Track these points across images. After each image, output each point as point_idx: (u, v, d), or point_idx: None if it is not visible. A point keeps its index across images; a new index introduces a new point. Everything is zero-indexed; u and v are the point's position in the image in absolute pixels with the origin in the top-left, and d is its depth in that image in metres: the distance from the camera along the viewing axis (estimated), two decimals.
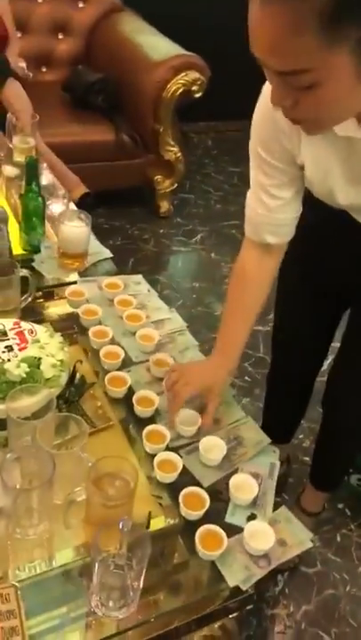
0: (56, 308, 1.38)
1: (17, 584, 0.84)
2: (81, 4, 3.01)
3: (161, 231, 2.92)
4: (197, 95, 2.67)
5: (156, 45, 2.75)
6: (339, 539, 1.68)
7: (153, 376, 1.20)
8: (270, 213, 1.10)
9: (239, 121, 4.00)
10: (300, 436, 1.94)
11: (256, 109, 1.04)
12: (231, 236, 2.97)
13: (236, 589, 0.91)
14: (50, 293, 1.44)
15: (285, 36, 0.67)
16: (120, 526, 0.81)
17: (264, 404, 1.70)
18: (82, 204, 2.20)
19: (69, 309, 1.36)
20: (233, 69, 3.27)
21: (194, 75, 2.61)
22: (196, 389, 1.10)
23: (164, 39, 2.83)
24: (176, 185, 2.93)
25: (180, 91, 2.62)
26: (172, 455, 1.02)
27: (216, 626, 1.05)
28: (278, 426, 1.67)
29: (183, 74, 2.60)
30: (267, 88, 0.97)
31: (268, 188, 1.08)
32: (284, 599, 1.53)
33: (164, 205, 2.97)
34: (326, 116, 0.79)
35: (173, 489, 1.01)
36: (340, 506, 1.78)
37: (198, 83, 2.63)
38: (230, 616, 1.02)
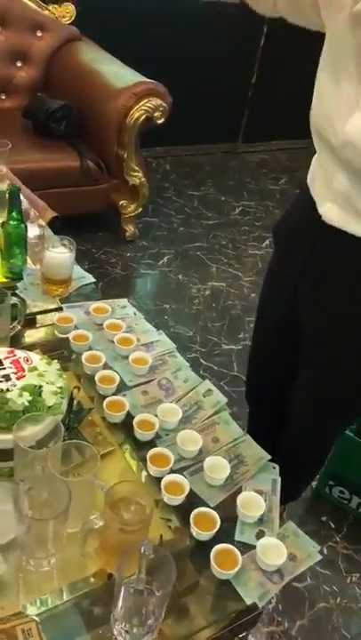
0: (39, 336, 1.37)
1: (36, 618, 0.82)
2: (39, 33, 3.04)
3: (128, 255, 2.94)
4: (160, 121, 2.72)
5: (117, 73, 2.80)
6: (326, 552, 1.71)
7: (149, 399, 1.20)
8: None
9: (196, 145, 4.14)
10: None
11: None
12: (197, 258, 3.02)
13: (249, 607, 0.92)
14: (32, 321, 1.43)
15: None
16: (142, 550, 0.80)
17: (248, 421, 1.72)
18: (52, 228, 2.19)
19: (52, 336, 1.36)
20: (189, 95, 3.37)
21: (156, 101, 2.66)
22: None
23: (124, 67, 2.88)
24: (140, 209, 2.96)
25: (143, 117, 2.66)
26: (178, 477, 1.02)
27: None
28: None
29: (145, 100, 2.65)
30: None
31: None
32: (279, 615, 1.54)
33: (130, 229, 2.99)
34: None
35: (180, 511, 1.02)
36: (324, 519, 1.82)
37: (161, 109, 2.68)
38: (240, 635, 1.03)
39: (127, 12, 3.36)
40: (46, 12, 3.06)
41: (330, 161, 1.11)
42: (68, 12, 3.12)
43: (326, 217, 1.14)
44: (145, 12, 3.42)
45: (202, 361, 2.37)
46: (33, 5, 3.01)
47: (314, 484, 1.89)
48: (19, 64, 3.05)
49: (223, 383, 2.24)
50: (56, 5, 3.09)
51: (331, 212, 1.13)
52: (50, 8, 3.07)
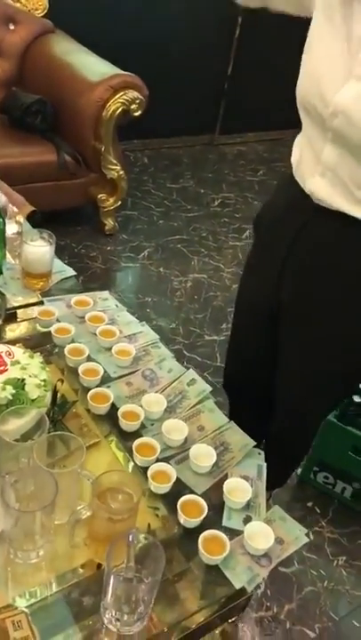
0: (21, 330, 1.37)
1: (26, 610, 0.82)
2: (12, 26, 3.00)
3: (108, 248, 2.93)
4: (136, 114, 2.71)
5: (93, 66, 2.78)
6: (312, 536, 1.73)
7: (134, 389, 1.21)
8: None
9: (174, 138, 4.13)
10: None
11: None
12: (177, 251, 3.02)
13: (238, 592, 0.93)
14: (12, 315, 1.42)
15: None
16: (130, 539, 0.81)
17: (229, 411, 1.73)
18: (31, 222, 2.18)
19: (33, 330, 1.35)
20: (165, 87, 3.36)
21: (133, 94, 2.65)
22: None
23: (99, 59, 2.86)
24: (119, 202, 2.95)
25: (120, 110, 2.65)
26: (165, 466, 1.03)
27: (217, 632, 1.06)
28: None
29: (122, 93, 2.63)
30: None
31: None
32: (267, 601, 1.55)
33: (109, 223, 2.98)
34: None
35: (167, 499, 1.02)
36: (310, 504, 1.84)
37: (137, 102, 2.67)
38: (230, 620, 1.04)
39: (101, 4, 3.34)
40: (18, 4, 3.02)
41: (318, 134, 1.11)
42: (40, 5, 3.08)
43: (314, 193, 1.13)
44: (118, 3, 3.39)
45: (185, 352, 2.37)
46: None
47: (299, 470, 1.91)
48: None
49: (207, 374, 2.25)
50: None
51: (319, 187, 1.12)
52: (22, 1, 3.04)
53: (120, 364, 1.26)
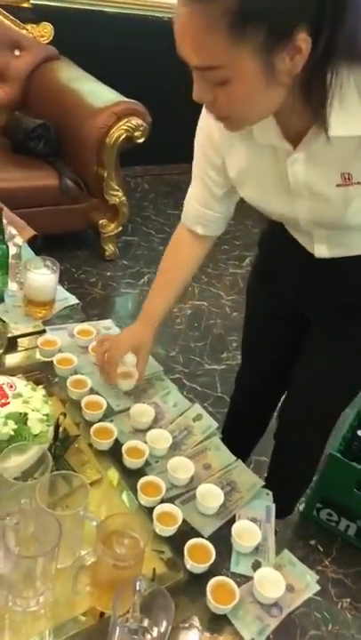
0: (21, 359, 1.33)
1: None
2: (17, 52, 3.02)
3: (108, 274, 2.91)
4: (140, 141, 2.71)
5: (97, 92, 2.79)
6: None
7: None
8: (203, 208, 1.20)
9: (175, 164, 4.14)
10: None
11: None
12: None
13: None
14: (13, 344, 1.39)
15: (200, 33, 0.74)
16: (137, 587, 0.76)
17: (223, 424, 1.72)
18: (32, 246, 2.16)
19: (34, 360, 1.31)
20: (167, 115, 3.37)
21: (136, 121, 2.66)
22: (126, 350, 1.23)
23: (103, 86, 2.88)
24: (120, 228, 2.94)
25: (123, 137, 2.65)
26: (170, 507, 0.99)
27: None
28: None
29: (125, 120, 2.64)
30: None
31: (204, 187, 1.17)
32: None
33: (110, 248, 2.96)
34: (240, 113, 0.85)
35: (172, 542, 0.98)
36: (312, 542, 1.78)
37: (141, 129, 2.68)
38: None
39: (105, 32, 3.37)
40: (24, 31, 3.05)
41: (297, 233, 1.17)
42: (46, 32, 3.11)
43: (319, 254, 1.15)
44: (123, 31, 3.43)
45: (185, 382, 2.34)
46: (11, 25, 3.00)
47: (301, 506, 1.86)
48: None
49: (207, 404, 2.21)
50: (34, 25, 3.08)
51: (321, 250, 1.14)
52: (28, 27, 3.06)
53: (123, 397, 1.22)
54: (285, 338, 1.45)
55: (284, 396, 1.54)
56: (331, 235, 1.09)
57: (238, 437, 1.68)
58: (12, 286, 1.49)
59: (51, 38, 3.13)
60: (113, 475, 1.08)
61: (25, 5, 3.10)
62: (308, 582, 0.95)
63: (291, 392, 1.50)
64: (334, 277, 1.18)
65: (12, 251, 1.62)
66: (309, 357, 1.38)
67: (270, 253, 1.38)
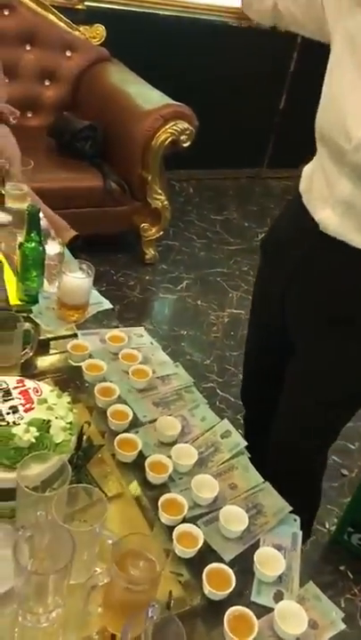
0: (51, 362, 1.32)
1: None
2: (69, 53, 3.04)
3: (146, 278, 2.89)
4: (185, 145, 2.69)
5: (145, 95, 2.78)
6: (343, 604, 1.60)
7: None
8: None
9: (220, 170, 4.10)
10: None
11: None
12: (216, 284, 2.96)
13: None
14: (45, 346, 1.37)
15: None
16: (149, 614, 0.73)
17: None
18: (72, 247, 2.16)
19: (64, 363, 1.29)
20: (214, 118, 3.34)
21: (183, 124, 2.63)
22: None
23: (152, 89, 2.86)
24: (162, 232, 2.92)
25: (169, 140, 2.63)
26: (192, 528, 0.95)
27: None
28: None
29: (172, 123, 2.62)
30: None
31: None
32: None
33: (150, 252, 2.95)
34: None
35: (192, 564, 0.94)
36: (342, 568, 1.71)
37: (187, 132, 2.65)
38: None
39: (157, 35, 3.36)
40: (77, 32, 3.07)
41: (335, 167, 1.10)
42: (98, 33, 3.12)
43: (323, 224, 1.13)
44: (175, 34, 3.42)
45: (218, 391, 2.29)
46: (63, 26, 3.02)
47: (331, 529, 1.79)
48: (47, 83, 3.05)
49: (240, 416, 2.16)
50: (87, 26, 3.10)
51: (329, 220, 1.12)
52: (80, 29, 3.08)
53: (151, 408, 1.19)
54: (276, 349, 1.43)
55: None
56: (355, 194, 1.06)
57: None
58: (48, 287, 1.48)
59: (103, 40, 3.14)
60: (135, 489, 1.05)
61: (79, 7, 3.11)
62: (333, 619, 0.90)
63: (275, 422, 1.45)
64: (326, 280, 1.17)
65: (55, 250, 1.61)
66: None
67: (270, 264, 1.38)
